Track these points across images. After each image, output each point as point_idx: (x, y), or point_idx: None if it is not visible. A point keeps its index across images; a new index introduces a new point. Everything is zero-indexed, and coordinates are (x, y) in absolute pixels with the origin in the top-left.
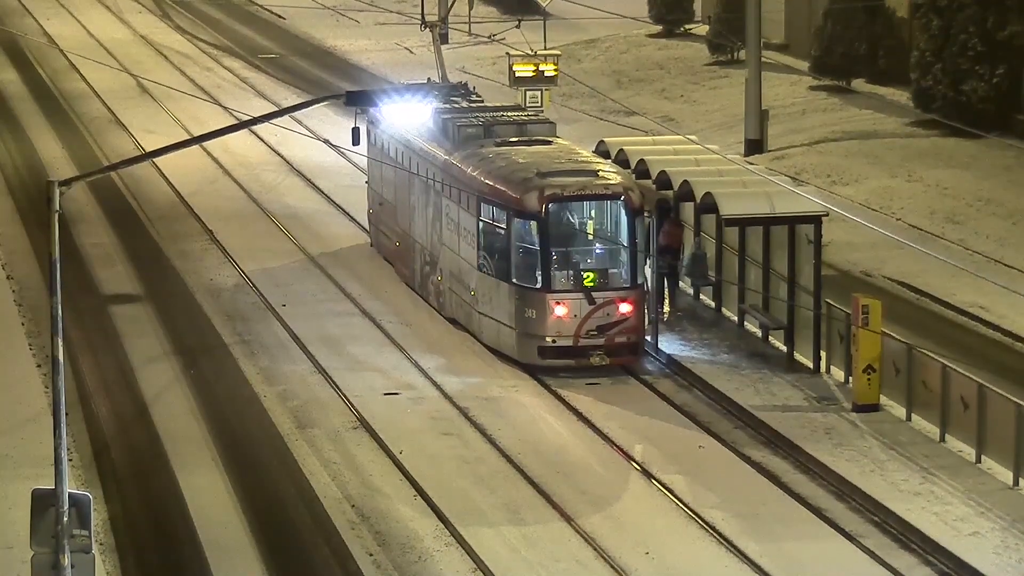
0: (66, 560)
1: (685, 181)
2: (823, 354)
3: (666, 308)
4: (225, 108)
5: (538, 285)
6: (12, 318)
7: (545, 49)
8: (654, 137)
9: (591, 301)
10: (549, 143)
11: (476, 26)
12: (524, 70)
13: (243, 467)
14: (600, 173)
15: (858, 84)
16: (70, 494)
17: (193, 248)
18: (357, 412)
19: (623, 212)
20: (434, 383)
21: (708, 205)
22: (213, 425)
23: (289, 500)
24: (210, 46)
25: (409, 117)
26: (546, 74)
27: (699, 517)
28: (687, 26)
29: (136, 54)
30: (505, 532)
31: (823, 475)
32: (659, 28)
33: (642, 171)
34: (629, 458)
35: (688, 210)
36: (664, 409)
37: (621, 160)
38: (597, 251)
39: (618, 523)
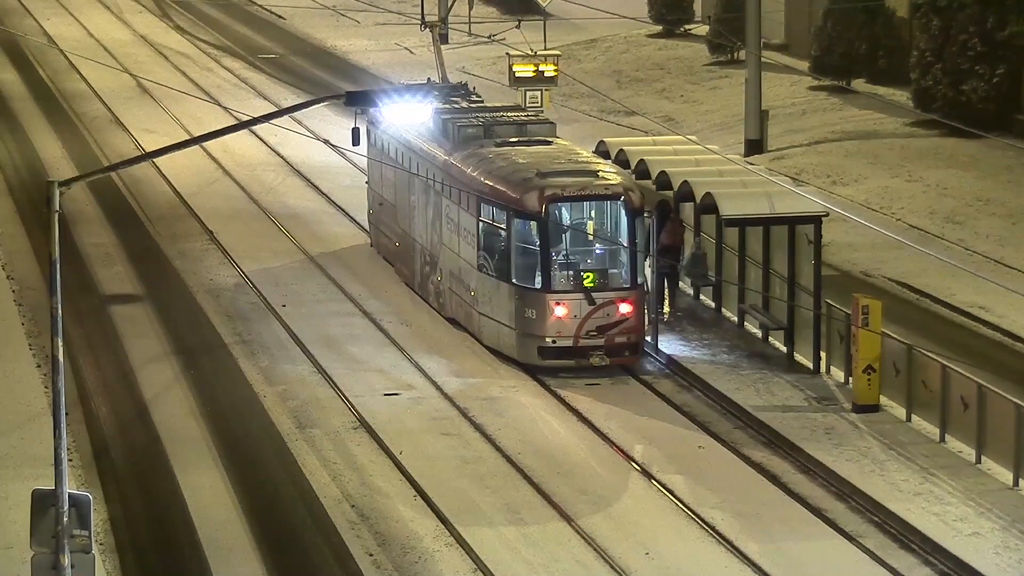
0: (66, 560)
1: (685, 181)
2: (823, 354)
3: (666, 308)
4: (225, 108)
5: (538, 285)
6: (12, 318)
7: (545, 49)
8: (654, 137)
9: (591, 301)
10: (549, 143)
11: (476, 26)
12: (524, 70)
13: (243, 467)
14: (600, 173)
15: (858, 84)
16: (70, 494)
17: (193, 248)
18: (357, 412)
19: (623, 212)
20: (434, 383)
21: (708, 205)
22: (213, 425)
23: (289, 500)
24: (210, 46)
25: (409, 117)
26: (546, 74)
27: (699, 517)
28: (687, 26)
29: (136, 54)
30: (505, 532)
31: (823, 475)
32: (659, 28)
33: (642, 171)
34: (629, 458)
35: (688, 210)
36: (664, 409)
37: (621, 160)
38: (597, 251)
39: (618, 523)
